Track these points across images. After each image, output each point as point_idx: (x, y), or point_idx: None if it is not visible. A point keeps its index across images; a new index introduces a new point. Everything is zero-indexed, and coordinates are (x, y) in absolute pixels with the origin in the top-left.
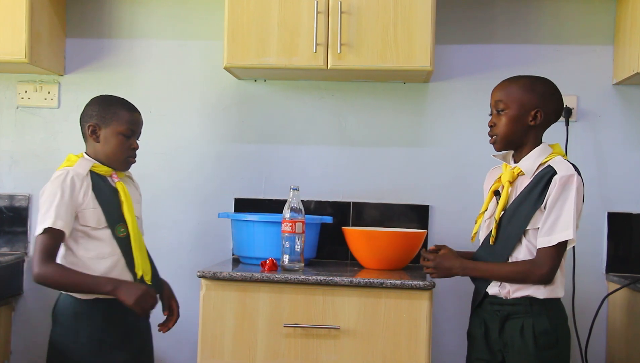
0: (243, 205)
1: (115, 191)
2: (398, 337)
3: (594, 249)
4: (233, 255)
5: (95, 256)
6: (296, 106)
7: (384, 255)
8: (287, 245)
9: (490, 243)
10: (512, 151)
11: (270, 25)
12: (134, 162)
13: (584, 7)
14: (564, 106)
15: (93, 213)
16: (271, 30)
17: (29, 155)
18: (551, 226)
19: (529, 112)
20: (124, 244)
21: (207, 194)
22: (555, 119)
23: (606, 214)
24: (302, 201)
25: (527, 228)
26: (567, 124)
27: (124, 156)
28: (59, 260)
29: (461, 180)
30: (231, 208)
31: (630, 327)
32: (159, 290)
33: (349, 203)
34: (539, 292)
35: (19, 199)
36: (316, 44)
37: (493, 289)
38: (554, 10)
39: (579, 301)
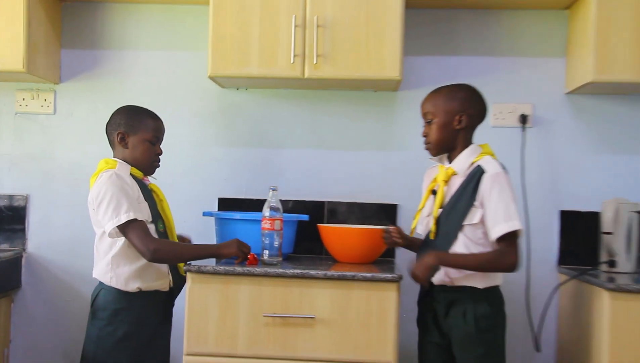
0: (226, 204)
1: (151, 191)
2: (368, 324)
3: (547, 244)
4: None
5: None
6: (275, 113)
7: (356, 250)
8: (267, 241)
9: (431, 238)
10: (446, 153)
11: (251, 37)
12: (159, 166)
13: (538, 22)
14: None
15: (145, 207)
16: (252, 43)
17: (27, 158)
18: (494, 219)
19: (454, 117)
20: (163, 238)
21: (193, 194)
22: (481, 120)
23: (558, 212)
24: (280, 200)
25: (463, 224)
26: (524, 130)
27: (150, 160)
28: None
29: None
30: (215, 207)
31: (578, 314)
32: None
33: (323, 202)
34: (478, 282)
35: (18, 199)
36: (294, 55)
37: (438, 278)
38: (512, 25)
39: (533, 291)
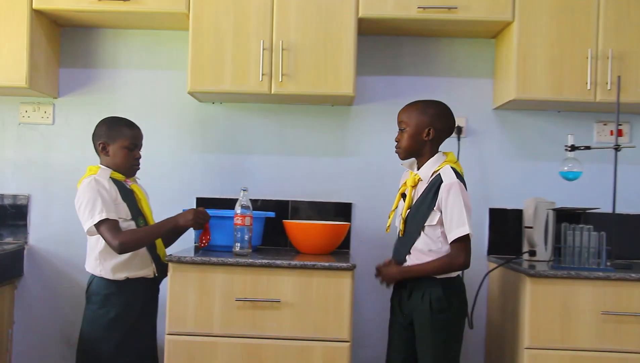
0: (203, 203)
1: (131, 192)
2: (326, 307)
3: (479, 236)
4: (195, 243)
5: None
6: (246, 123)
7: (316, 242)
8: (238, 235)
9: (400, 236)
10: (415, 160)
11: (225, 58)
12: (139, 169)
13: (470, 49)
14: (455, 123)
15: (123, 207)
16: (226, 63)
17: (29, 162)
18: (449, 225)
19: (423, 129)
20: None
21: (175, 193)
22: (448, 134)
23: (488, 209)
24: (250, 199)
25: (424, 224)
26: (459, 139)
27: (130, 165)
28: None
29: (376, 183)
30: (194, 205)
31: (504, 296)
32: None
33: (288, 201)
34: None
35: (21, 198)
36: (262, 74)
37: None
38: (448, 50)
39: (467, 277)
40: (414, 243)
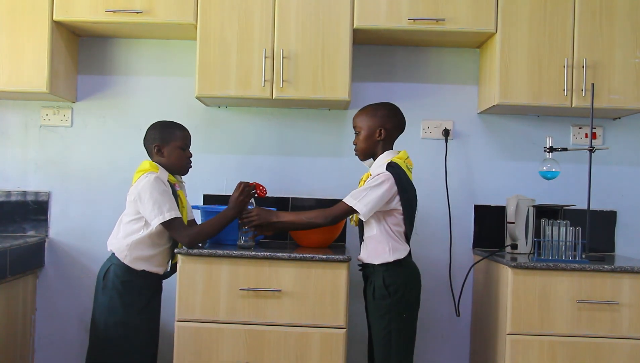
0: (210, 199)
1: (177, 198)
2: (324, 296)
3: (465, 231)
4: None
5: (158, 242)
6: (249, 126)
7: (314, 236)
8: (242, 229)
9: (355, 226)
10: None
11: (230, 65)
12: (191, 167)
13: (457, 58)
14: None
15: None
16: (231, 70)
17: (49, 162)
18: (352, 195)
19: (375, 131)
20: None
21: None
22: (399, 132)
23: (473, 206)
24: None
25: None
26: (446, 141)
27: (184, 163)
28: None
29: None
30: (201, 201)
31: (488, 286)
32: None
33: (288, 198)
34: (376, 259)
35: (42, 195)
36: (264, 80)
37: (360, 256)
38: (436, 59)
39: (454, 269)
40: (363, 232)
